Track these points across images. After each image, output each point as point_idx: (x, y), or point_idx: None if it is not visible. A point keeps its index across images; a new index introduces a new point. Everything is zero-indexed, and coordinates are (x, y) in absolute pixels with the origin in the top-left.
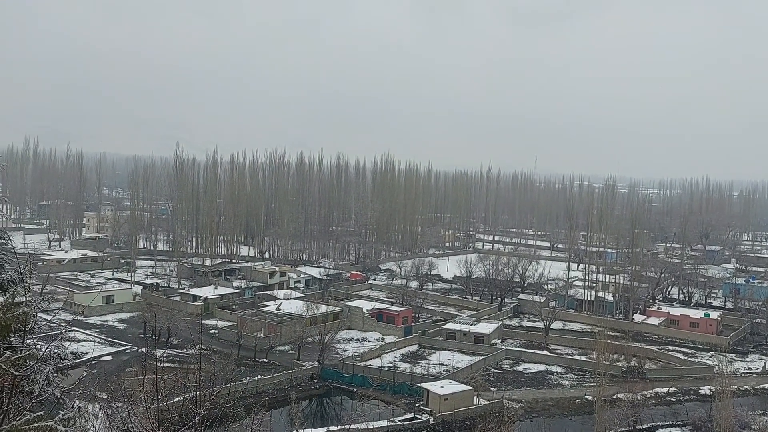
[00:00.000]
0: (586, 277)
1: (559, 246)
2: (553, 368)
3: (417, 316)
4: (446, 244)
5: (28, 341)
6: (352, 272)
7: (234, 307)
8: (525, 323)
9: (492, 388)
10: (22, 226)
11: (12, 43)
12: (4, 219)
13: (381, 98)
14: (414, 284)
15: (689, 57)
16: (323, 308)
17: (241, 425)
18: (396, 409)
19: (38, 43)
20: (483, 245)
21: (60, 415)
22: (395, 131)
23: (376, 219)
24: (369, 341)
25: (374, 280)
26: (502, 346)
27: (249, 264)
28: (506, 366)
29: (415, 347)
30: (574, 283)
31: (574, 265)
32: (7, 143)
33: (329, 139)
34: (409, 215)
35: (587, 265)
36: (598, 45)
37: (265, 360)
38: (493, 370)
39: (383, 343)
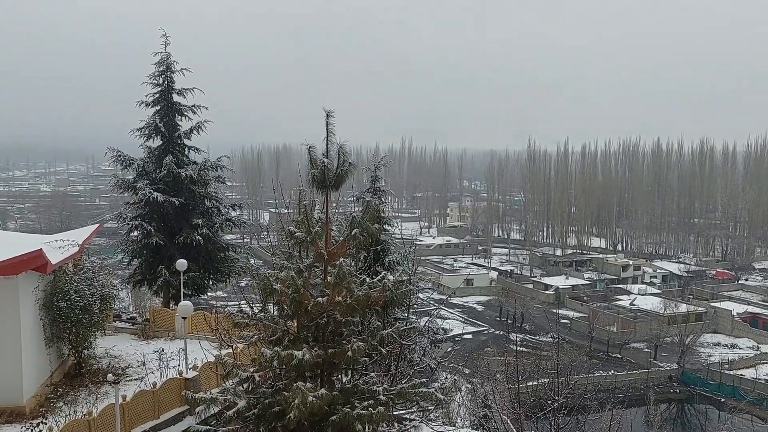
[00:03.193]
0: None
1: None
2: None
3: None
4: None
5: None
6: (717, 270)
7: (585, 298)
8: None
9: None
10: (400, 215)
11: (397, 51)
12: (389, 209)
13: (753, 71)
14: None
15: None
16: (683, 307)
17: (596, 419)
18: None
19: (412, 53)
20: None
21: (438, 384)
22: None
23: (749, 210)
24: (740, 348)
25: (746, 280)
26: None
27: (600, 256)
28: None
29: None
30: None
31: None
32: (388, 143)
33: (690, 122)
34: None
35: None
36: None
37: (618, 356)
38: None
39: (759, 353)
